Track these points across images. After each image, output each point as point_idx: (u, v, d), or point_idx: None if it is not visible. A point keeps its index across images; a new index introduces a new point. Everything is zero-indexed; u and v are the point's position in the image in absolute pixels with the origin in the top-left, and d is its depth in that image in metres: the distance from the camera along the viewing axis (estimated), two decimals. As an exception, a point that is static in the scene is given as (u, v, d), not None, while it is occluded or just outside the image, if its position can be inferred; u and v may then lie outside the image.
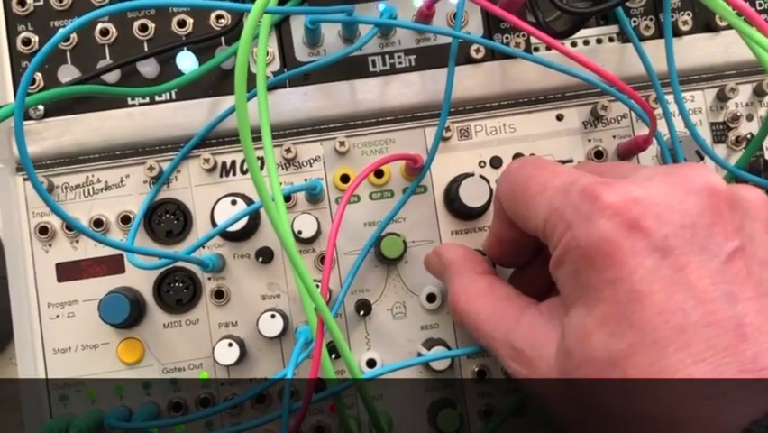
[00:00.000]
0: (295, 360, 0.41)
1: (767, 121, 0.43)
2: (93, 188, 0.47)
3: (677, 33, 0.49)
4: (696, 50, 0.49)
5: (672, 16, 0.49)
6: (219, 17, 0.48)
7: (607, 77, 0.39)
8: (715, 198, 0.32)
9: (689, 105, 0.49)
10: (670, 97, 0.46)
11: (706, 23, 0.49)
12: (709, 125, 0.50)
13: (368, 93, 0.48)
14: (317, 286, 0.37)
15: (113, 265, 0.47)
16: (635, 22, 0.49)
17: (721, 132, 0.49)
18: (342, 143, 0.48)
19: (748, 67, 0.49)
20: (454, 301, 0.41)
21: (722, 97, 0.49)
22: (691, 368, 0.29)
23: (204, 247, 0.47)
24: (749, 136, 0.49)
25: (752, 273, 0.31)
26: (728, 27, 0.49)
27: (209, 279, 0.47)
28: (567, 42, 0.49)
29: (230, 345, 0.45)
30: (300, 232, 0.46)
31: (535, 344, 0.36)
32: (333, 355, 0.46)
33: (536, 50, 0.49)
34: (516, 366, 0.37)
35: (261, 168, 0.43)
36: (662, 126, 0.47)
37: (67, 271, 0.47)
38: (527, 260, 0.43)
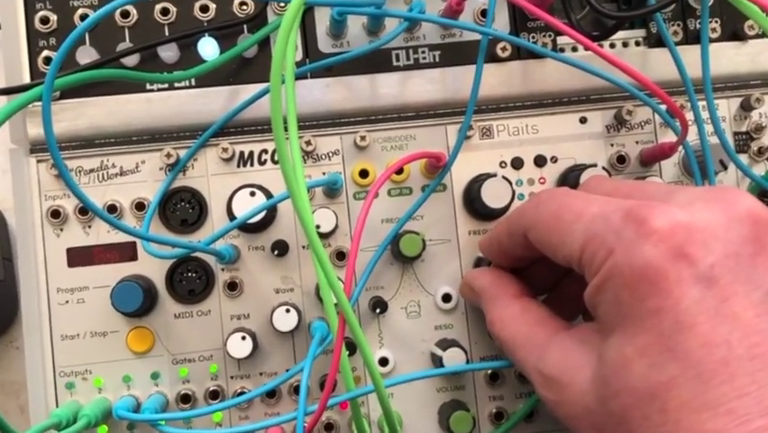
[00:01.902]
0: (312, 356, 0.40)
1: None
2: (107, 172, 0.47)
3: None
4: (722, 57, 0.49)
5: (700, 23, 0.49)
6: (242, 4, 0.47)
7: (641, 79, 0.39)
8: (757, 226, 0.31)
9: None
10: (700, 104, 0.46)
11: (733, 31, 0.49)
12: (732, 135, 0.49)
13: (390, 88, 0.48)
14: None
15: (125, 252, 0.46)
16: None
17: (744, 142, 0.49)
18: (362, 138, 0.47)
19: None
20: (491, 329, 0.41)
21: (746, 107, 0.49)
22: (735, 402, 0.28)
23: (222, 237, 0.46)
24: (770, 148, 0.48)
25: None
26: (756, 36, 0.48)
27: (222, 270, 0.47)
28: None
29: (243, 338, 0.44)
30: (319, 226, 0.45)
31: (566, 369, 0.35)
32: (348, 352, 0.45)
33: (562, 50, 0.48)
34: (546, 392, 0.36)
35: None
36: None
37: (78, 257, 0.46)
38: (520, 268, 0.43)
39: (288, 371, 0.45)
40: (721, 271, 0.30)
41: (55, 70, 0.33)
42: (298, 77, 0.47)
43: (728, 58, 0.49)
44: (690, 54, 0.46)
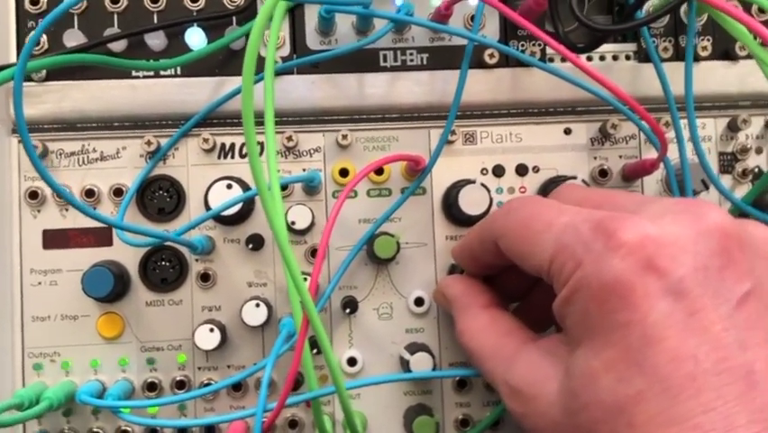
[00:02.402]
0: (275, 353, 0.40)
1: None
2: (88, 157, 0.47)
3: (695, 58, 0.48)
4: (712, 76, 0.48)
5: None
6: (232, -4, 0.47)
7: (620, 95, 0.39)
8: (726, 240, 0.31)
9: (699, 133, 0.48)
10: (682, 123, 0.45)
11: (725, 51, 0.48)
12: (717, 154, 0.49)
13: (376, 88, 0.48)
14: (306, 280, 0.36)
15: (100, 237, 0.46)
16: (653, 42, 0.48)
17: (728, 162, 0.49)
18: (344, 137, 0.47)
19: (764, 99, 0.49)
20: (459, 339, 0.41)
21: (733, 128, 0.48)
22: (701, 417, 0.28)
23: (194, 228, 0.46)
24: (756, 170, 0.48)
25: (762, 317, 0.30)
26: (748, 57, 0.48)
27: (197, 260, 0.46)
28: (582, 57, 0.48)
29: (211, 330, 0.44)
30: (294, 223, 0.45)
31: (533, 382, 0.35)
32: (315, 351, 0.45)
33: (551, 60, 0.48)
34: (513, 404, 0.36)
35: (261, 154, 0.43)
36: (670, 151, 0.46)
37: (53, 239, 0.46)
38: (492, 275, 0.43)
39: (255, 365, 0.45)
40: (690, 285, 0.30)
41: (28, 52, 0.33)
42: (284, 72, 0.47)
43: (718, 77, 0.48)
44: (680, 71, 0.45)
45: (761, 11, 0.48)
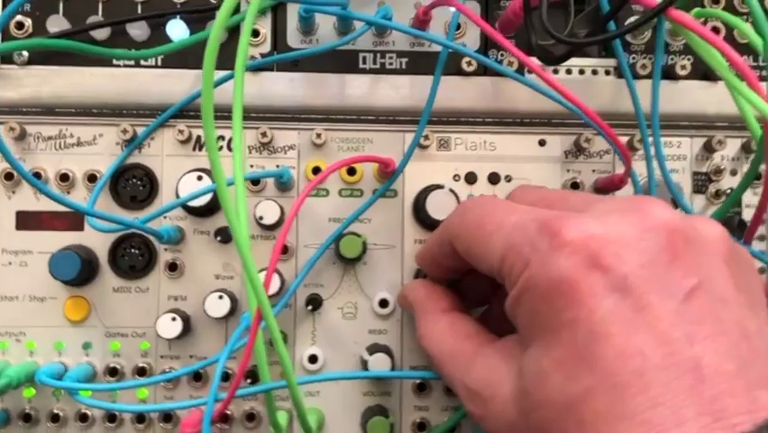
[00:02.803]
0: (230, 346, 0.41)
1: (746, 177, 0.42)
2: (65, 142, 0.47)
3: (674, 77, 0.48)
4: (690, 96, 0.48)
5: (672, 59, 0.49)
6: (216, -10, 0.47)
7: (583, 109, 0.39)
8: (672, 235, 0.31)
9: (674, 151, 0.49)
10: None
11: (705, 71, 0.48)
12: (692, 174, 0.49)
13: (354, 89, 0.48)
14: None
15: (73, 221, 0.47)
16: (633, 58, 0.48)
17: (702, 182, 0.49)
18: (318, 135, 0.47)
19: (740, 121, 0.48)
20: (420, 343, 0.41)
21: (709, 148, 0.48)
22: (650, 412, 0.28)
23: (165, 217, 0.47)
24: (729, 191, 0.48)
25: (710, 311, 0.30)
26: (726, 78, 0.48)
27: (165, 249, 0.47)
28: (562, 68, 0.48)
29: (173, 319, 0.44)
30: (261, 218, 0.45)
31: (490, 383, 0.35)
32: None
33: (530, 72, 0.48)
34: (472, 407, 0.36)
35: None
36: (642, 168, 0.46)
37: (26, 221, 0.47)
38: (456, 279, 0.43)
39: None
40: (635, 281, 0.30)
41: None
42: (264, 68, 0.47)
43: (696, 97, 0.48)
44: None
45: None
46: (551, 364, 0.31)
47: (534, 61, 0.42)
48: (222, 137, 0.47)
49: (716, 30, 0.48)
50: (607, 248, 0.31)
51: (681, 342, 0.29)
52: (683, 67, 0.48)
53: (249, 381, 0.45)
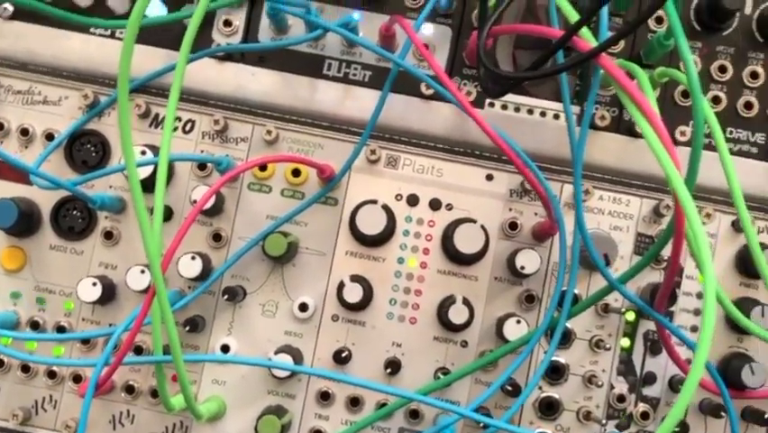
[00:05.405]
0: (129, 319, 0.42)
1: (659, 243, 0.41)
2: (32, 98, 0.49)
3: (634, 134, 0.47)
4: (647, 156, 0.47)
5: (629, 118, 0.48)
6: (198, -23, 0.48)
7: (500, 146, 0.39)
8: None
9: (621, 209, 0.48)
10: (611, 195, 0.46)
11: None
12: (635, 234, 0.48)
13: (314, 93, 0.49)
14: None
15: (23, 174, 0.48)
16: (596, 108, 0.48)
17: (645, 245, 0.48)
18: (269, 132, 0.48)
19: (696, 189, 0.47)
20: None
21: (658, 212, 0.47)
22: None
23: (111, 187, 0.48)
24: (667, 258, 0.47)
25: None
26: (687, 143, 0.47)
27: (106, 218, 0.48)
28: (511, 106, 0.48)
29: (94, 284, 0.46)
30: (195, 202, 0.46)
31: None
32: (188, 328, 0.46)
33: (491, 105, 0.48)
34: None
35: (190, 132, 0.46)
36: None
37: (-18, 167, 0.49)
38: None
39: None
40: None
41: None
42: (231, 59, 0.48)
43: (652, 158, 0.47)
44: (615, 142, 0.46)
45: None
46: None
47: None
48: (179, 118, 0.48)
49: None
50: None
51: None
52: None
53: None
